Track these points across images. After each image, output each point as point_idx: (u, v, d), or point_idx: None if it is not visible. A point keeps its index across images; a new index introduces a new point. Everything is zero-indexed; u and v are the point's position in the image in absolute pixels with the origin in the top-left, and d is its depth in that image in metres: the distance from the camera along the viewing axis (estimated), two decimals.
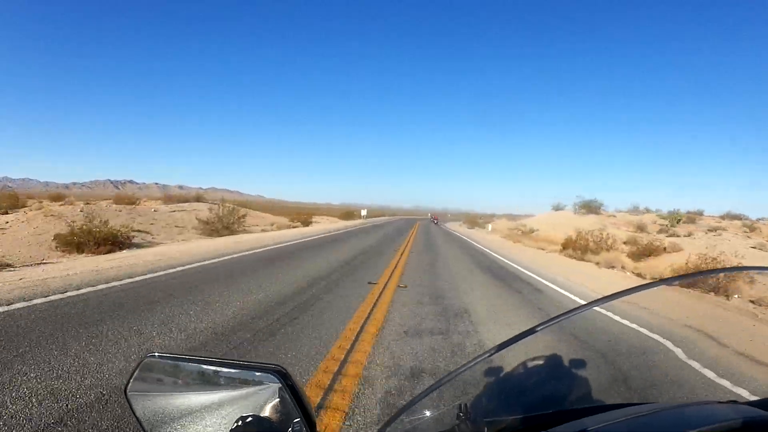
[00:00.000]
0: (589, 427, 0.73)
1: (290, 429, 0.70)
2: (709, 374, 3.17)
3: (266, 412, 0.73)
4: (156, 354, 0.77)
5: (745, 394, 2.73)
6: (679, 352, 3.62)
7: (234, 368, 0.77)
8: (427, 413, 1.01)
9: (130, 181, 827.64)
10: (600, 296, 0.79)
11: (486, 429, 0.86)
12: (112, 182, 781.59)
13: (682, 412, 0.83)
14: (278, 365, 0.72)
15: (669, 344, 3.95)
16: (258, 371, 0.74)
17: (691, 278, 1.39)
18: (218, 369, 0.78)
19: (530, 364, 1.61)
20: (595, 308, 0.88)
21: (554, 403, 1.32)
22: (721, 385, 2.72)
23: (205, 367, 0.77)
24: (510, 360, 1.55)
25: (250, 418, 0.73)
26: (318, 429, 0.70)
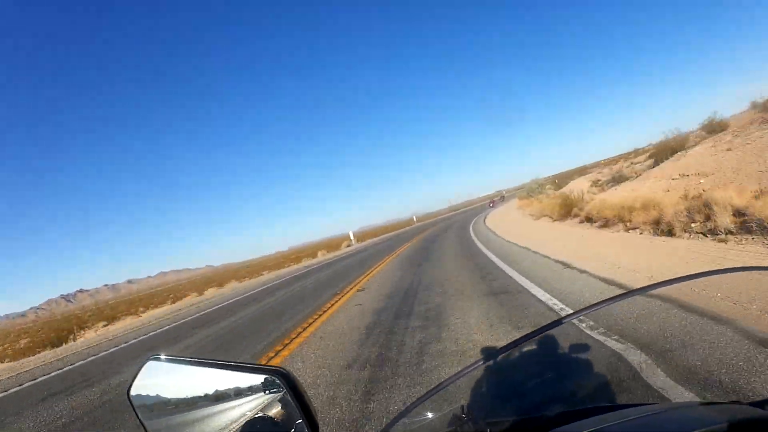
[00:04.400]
0: (591, 428, 0.72)
1: (293, 431, 0.70)
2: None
3: (269, 414, 0.73)
4: (159, 356, 0.78)
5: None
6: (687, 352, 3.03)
7: (237, 371, 0.77)
8: (429, 415, 1.03)
9: (80, 291, 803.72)
10: None
11: (487, 430, 0.87)
12: (63, 297, 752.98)
13: (685, 413, 0.83)
14: (281, 368, 0.73)
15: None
16: (261, 373, 0.74)
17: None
18: (221, 371, 0.77)
19: (531, 366, 1.63)
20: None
21: (556, 405, 1.25)
22: (723, 387, 2.29)
23: (207, 369, 0.78)
24: (511, 362, 1.44)
25: (252, 421, 0.73)
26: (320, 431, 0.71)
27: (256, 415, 0.73)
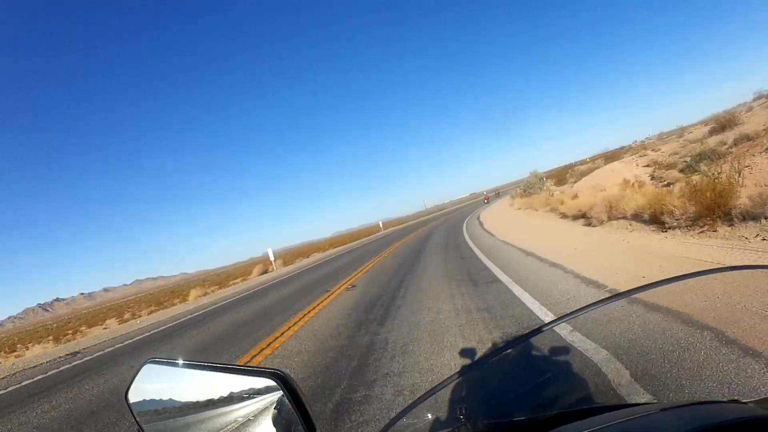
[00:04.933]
0: (589, 428, 0.71)
1: None
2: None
3: (266, 416, 0.72)
4: (156, 359, 0.77)
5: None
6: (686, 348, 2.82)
7: (234, 373, 0.75)
8: (428, 416, 1.00)
9: (57, 299, 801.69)
10: None
11: (485, 431, 0.88)
12: (40, 306, 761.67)
13: (684, 412, 0.80)
14: (278, 370, 0.71)
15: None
16: (258, 376, 0.72)
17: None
18: (219, 374, 0.76)
19: (530, 367, 1.63)
20: None
21: (555, 405, 1.33)
22: (724, 385, 2.19)
23: (205, 372, 0.77)
24: (510, 362, 1.37)
25: (250, 423, 0.72)
26: None
27: (254, 418, 0.72)
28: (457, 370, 0.84)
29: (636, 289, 0.86)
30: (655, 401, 1.99)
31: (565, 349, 2.89)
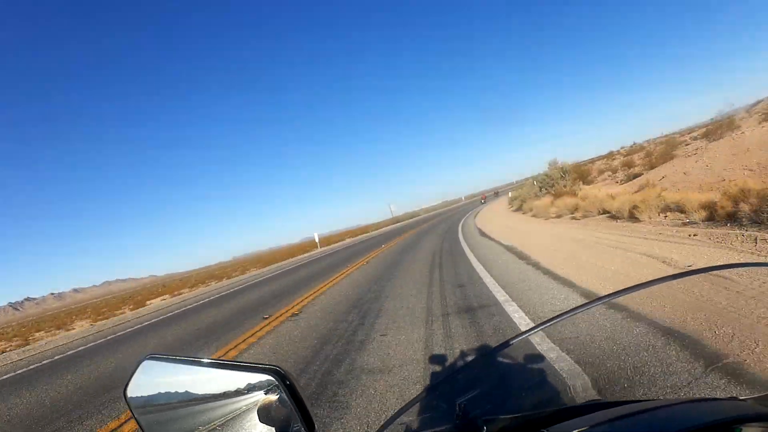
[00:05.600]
0: (587, 424, 0.71)
1: (289, 430, 0.69)
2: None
3: (265, 413, 0.71)
4: (155, 355, 0.76)
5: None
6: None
7: (233, 369, 0.75)
8: (426, 413, 1.04)
9: (27, 299, 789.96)
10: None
11: (484, 428, 0.85)
12: (11, 305, 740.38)
13: (682, 409, 0.80)
14: (277, 366, 0.70)
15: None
16: (257, 372, 0.72)
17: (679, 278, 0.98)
18: (217, 370, 0.75)
19: (528, 363, 1.61)
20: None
21: (552, 402, 1.33)
22: (721, 383, 2.17)
23: (203, 368, 0.75)
24: (508, 359, 1.41)
25: (248, 420, 0.72)
26: (316, 430, 0.69)
27: (252, 414, 0.71)
28: (455, 369, 0.71)
29: (622, 291, 0.88)
30: (656, 398, 1.83)
31: (563, 349, 2.83)
